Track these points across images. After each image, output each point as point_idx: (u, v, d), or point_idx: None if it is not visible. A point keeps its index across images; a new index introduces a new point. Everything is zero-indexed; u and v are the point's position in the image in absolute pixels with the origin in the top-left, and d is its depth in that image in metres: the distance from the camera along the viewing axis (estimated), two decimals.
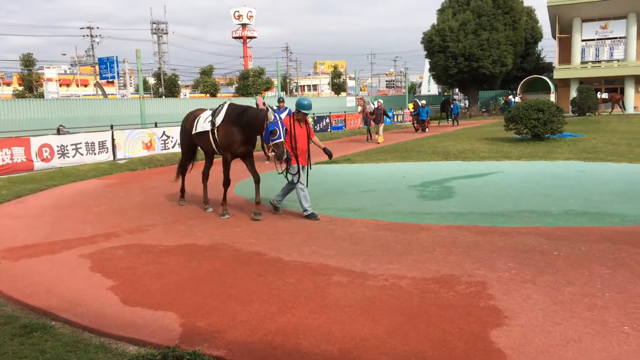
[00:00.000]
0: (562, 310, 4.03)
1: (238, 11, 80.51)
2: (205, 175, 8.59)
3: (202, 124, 7.95)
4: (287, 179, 7.59)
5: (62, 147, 14.47)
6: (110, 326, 4.07)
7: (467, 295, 4.42)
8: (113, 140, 15.98)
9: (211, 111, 7.96)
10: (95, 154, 15.40)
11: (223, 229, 7.09)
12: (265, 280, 4.99)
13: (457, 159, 13.98)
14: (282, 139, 7.06)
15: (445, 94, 58.16)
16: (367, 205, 8.36)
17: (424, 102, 27.31)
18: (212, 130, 7.73)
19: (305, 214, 7.51)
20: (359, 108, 22.83)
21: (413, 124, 27.27)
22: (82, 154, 14.99)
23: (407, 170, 12.33)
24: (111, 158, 15.84)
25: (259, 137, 7.82)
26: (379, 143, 20.22)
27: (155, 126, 18.33)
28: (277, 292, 4.66)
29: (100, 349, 3.71)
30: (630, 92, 38.61)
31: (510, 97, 37.43)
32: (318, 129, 25.41)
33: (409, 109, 30.24)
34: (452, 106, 31.74)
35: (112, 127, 16.44)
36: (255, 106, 12.53)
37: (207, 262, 5.63)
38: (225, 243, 6.39)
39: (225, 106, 7.78)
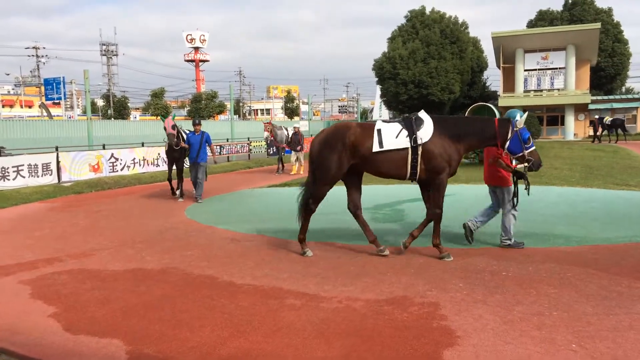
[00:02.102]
0: (512, 330, 4.10)
1: (190, 34, 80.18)
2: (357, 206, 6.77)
3: (395, 140, 6.18)
4: (514, 203, 6.61)
5: (3, 169, 13.86)
6: (52, 355, 3.86)
7: (420, 316, 4.44)
8: (58, 162, 15.44)
9: (397, 123, 6.34)
10: (38, 177, 14.82)
11: (173, 253, 6.90)
12: (217, 304, 4.86)
13: (408, 182, 14.18)
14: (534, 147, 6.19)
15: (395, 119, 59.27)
16: (320, 227, 8.34)
17: None
18: (414, 147, 6.16)
19: (507, 243, 6.73)
20: (266, 134, 18.59)
21: None
22: (23, 177, 14.39)
23: None
24: (56, 180, 15.27)
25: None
26: (292, 174, 17.67)
27: (103, 148, 17.86)
28: (229, 316, 4.54)
29: None
30: (570, 119, 40.53)
31: None
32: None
33: None
34: None
35: (57, 148, 15.91)
36: (163, 129, 12.14)
37: (156, 287, 5.44)
38: (175, 267, 6.22)
39: (427, 117, 6.29)
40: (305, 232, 6.74)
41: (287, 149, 18.49)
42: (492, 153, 6.61)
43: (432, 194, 6.40)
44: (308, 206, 6.66)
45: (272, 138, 18.43)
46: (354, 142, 6.26)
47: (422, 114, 6.36)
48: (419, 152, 6.13)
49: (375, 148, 6.20)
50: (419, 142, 6.12)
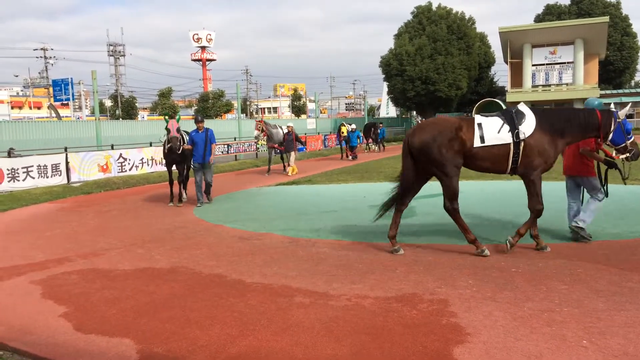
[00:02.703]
0: (523, 326, 4.08)
1: (197, 34, 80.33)
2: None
3: (497, 135, 6.04)
4: (603, 191, 6.74)
5: (13, 171, 13.96)
6: (63, 354, 3.88)
7: (430, 313, 4.43)
8: (67, 162, 15.54)
9: (497, 118, 6.22)
10: (47, 177, 14.92)
11: (182, 252, 6.93)
12: (226, 302, 4.88)
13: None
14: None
15: (403, 116, 59.23)
16: (328, 225, 8.34)
17: (353, 126, 24.95)
18: (516, 142, 6.03)
19: (580, 224, 6.66)
20: (256, 132, 17.76)
21: (342, 149, 25.41)
22: (33, 177, 14.49)
23: (368, 190, 12.41)
24: (65, 181, 15.37)
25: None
26: (289, 175, 16.94)
27: (112, 148, 17.95)
28: (239, 314, 4.56)
29: None
30: None
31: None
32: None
33: (342, 133, 24.98)
34: (378, 131, 29.72)
35: (66, 149, 16.00)
36: (165, 129, 11.37)
37: (165, 286, 5.47)
38: (184, 266, 6.24)
39: (528, 110, 6.19)
40: (469, 230, 6.34)
41: (280, 149, 17.64)
42: (580, 144, 6.58)
43: (528, 191, 6.29)
44: (451, 206, 6.30)
45: (264, 136, 17.59)
46: (462, 138, 6.09)
47: (523, 107, 6.25)
48: (521, 147, 6.04)
49: (477, 143, 6.08)
50: (522, 137, 6.02)
